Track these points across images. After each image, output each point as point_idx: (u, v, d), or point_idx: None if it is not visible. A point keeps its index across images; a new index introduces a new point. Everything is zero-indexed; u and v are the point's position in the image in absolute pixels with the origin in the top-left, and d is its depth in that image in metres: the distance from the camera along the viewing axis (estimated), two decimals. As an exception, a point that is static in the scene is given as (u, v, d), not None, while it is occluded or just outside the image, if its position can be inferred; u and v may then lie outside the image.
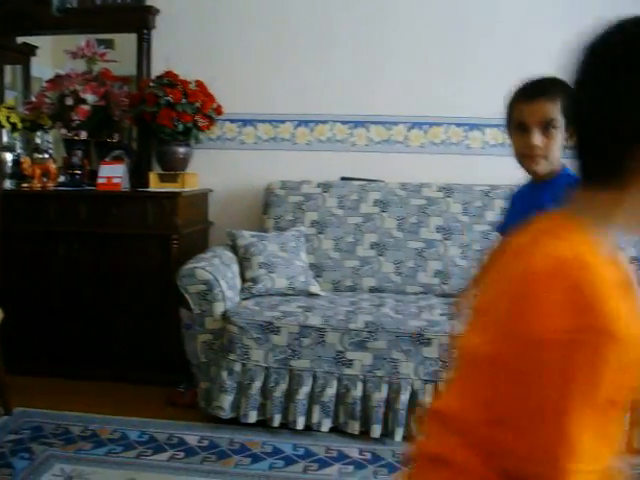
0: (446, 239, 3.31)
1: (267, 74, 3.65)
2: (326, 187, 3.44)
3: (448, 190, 3.39)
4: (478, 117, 3.56)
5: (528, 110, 1.66)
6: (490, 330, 0.87)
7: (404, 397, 2.71)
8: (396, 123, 3.64)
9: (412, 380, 2.72)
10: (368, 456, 2.66)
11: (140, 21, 3.64)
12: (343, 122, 3.64)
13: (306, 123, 3.66)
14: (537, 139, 1.65)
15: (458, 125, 3.60)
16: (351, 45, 3.60)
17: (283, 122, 3.67)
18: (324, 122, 3.64)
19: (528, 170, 1.73)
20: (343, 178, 3.55)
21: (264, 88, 3.66)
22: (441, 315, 2.83)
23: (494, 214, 3.27)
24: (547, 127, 1.65)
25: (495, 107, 3.42)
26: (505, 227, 1.87)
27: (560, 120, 1.64)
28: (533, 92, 1.67)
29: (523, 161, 1.71)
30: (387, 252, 3.29)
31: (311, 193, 3.43)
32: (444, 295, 3.17)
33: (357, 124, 3.64)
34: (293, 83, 3.64)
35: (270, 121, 3.68)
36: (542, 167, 1.70)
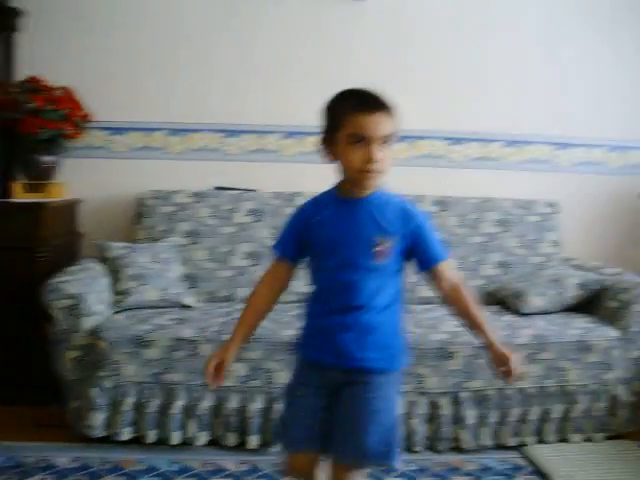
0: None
1: (139, 81, 3.57)
2: (199, 197, 3.40)
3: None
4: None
5: (370, 123, 1.63)
6: None
7: (280, 407, 2.71)
8: (270, 132, 3.66)
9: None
10: (245, 468, 2.64)
11: (3, 23, 3.47)
12: (216, 131, 3.61)
13: (178, 132, 3.61)
14: (379, 153, 1.64)
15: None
16: (225, 54, 3.59)
17: (154, 130, 3.60)
18: (197, 131, 3.61)
19: (361, 185, 1.70)
20: (217, 188, 3.53)
21: (135, 95, 3.58)
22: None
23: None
24: (385, 142, 1.65)
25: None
26: (288, 248, 1.85)
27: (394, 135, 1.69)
28: (375, 105, 1.66)
29: (359, 175, 1.67)
30: (261, 261, 3.29)
31: (184, 203, 3.38)
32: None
33: (230, 133, 3.63)
34: (165, 91, 3.58)
35: (141, 129, 3.61)
36: (376, 182, 1.72)
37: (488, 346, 1.80)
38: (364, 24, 3.61)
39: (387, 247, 1.72)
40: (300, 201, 3.30)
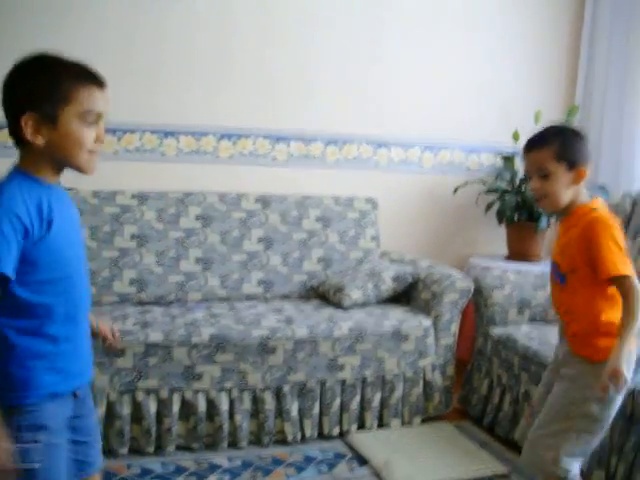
0: (267, 249, 3.45)
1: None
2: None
3: (265, 201, 3.53)
4: (283, 130, 3.77)
5: (103, 99, 1.53)
6: None
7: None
8: (206, 134, 3.64)
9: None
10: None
11: None
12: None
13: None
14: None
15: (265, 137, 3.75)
16: (158, 52, 3.51)
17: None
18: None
19: (87, 167, 1.55)
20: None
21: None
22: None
23: (309, 222, 3.56)
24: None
25: (290, 121, 3.77)
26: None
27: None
28: (102, 80, 1.54)
29: (88, 157, 1.53)
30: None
31: None
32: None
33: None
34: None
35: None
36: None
37: None
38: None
39: None
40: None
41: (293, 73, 3.77)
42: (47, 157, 1.51)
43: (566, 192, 2.03)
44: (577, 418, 2.01)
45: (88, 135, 1.50)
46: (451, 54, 4.07)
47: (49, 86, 1.47)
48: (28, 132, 1.47)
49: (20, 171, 1.51)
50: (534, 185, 2.05)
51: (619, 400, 2.03)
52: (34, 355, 1.50)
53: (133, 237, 3.26)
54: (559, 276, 2.10)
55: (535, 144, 2.06)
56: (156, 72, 3.53)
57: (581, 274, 2.01)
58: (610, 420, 2.04)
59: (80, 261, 1.60)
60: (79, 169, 1.54)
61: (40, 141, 1.47)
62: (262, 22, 3.67)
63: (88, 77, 1.51)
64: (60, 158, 1.51)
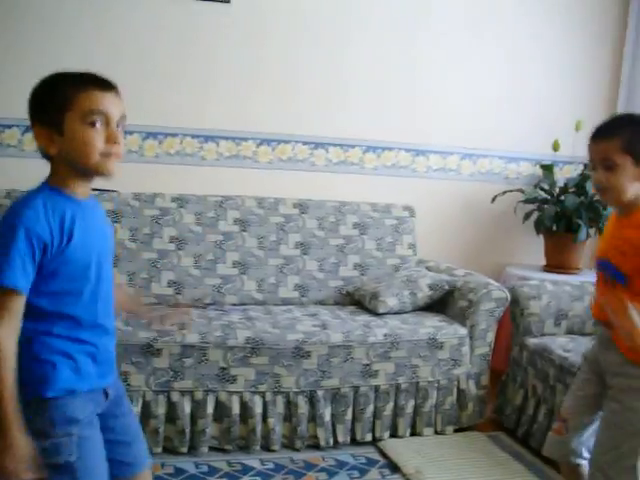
0: (304, 254, 3.47)
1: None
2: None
3: (302, 206, 3.55)
4: (322, 136, 3.82)
5: (107, 100, 1.53)
6: None
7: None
8: (246, 139, 3.69)
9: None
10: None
11: None
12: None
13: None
14: (119, 135, 1.55)
15: (304, 143, 3.80)
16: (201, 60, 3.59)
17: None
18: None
19: (103, 170, 1.54)
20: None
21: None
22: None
23: (346, 228, 3.57)
24: (119, 125, 1.55)
25: (329, 127, 3.83)
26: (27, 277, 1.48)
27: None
28: (108, 83, 1.56)
29: (101, 159, 1.52)
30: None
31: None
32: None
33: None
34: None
35: None
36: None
37: None
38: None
39: None
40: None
41: (332, 79, 3.79)
42: (65, 165, 1.53)
43: (631, 187, 1.90)
44: None
45: (94, 136, 1.50)
46: (491, 61, 4.06)
47: (49, 96, 1.52)
48: (42, 143, 1.52)
49: (48, 185, 1.54)
50: (597, 177, 1.93)
51: None
52: (55, 352, 1.53)
53: (172, 239, 3.30)
54: (618, 276, 1.97)
55: (602, 133, 1.94)
56: (198, 78, 3.58)
57: None
58: None
59: (103, 271, 1.62)
60: (95, 172, 1.54)
61: (53, 150, 1.51)
62: (298, 27, 3.71)
63: (87, 81, 1.53)
64: (74, 163, 1.53)
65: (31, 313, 1.50)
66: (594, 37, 4.23)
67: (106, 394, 1.65)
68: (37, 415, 1.50)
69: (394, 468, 2.79)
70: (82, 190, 1.57)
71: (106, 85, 1.54)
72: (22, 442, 1.44)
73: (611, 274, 2.00)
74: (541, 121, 4.16)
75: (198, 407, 2.77)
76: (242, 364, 2.79)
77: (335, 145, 3.83)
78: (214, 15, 3.57)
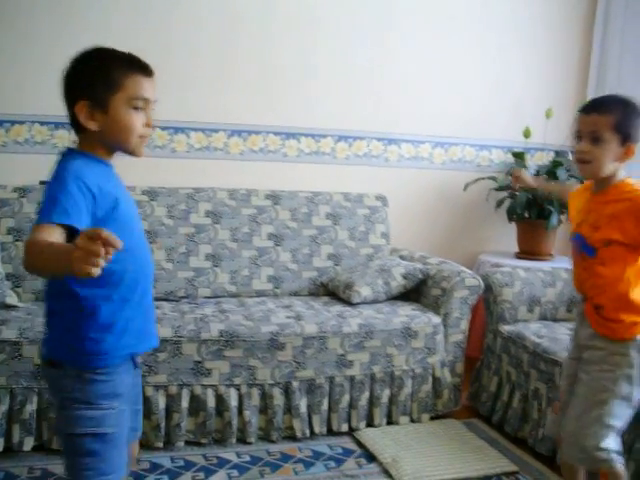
0: (277, 245, 3.46)
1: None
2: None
3: (275, 197, 3.54)
4: (293, 127, 3.79)
5: (151, 86, 1.63)
6: None
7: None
8: (217, 130, 3.66)
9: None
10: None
11: None
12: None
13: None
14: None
15: (276, 134, 3.77)
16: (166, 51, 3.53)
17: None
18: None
19: (138, 151, 1.64)
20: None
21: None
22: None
23: (319, 218, 3.56)
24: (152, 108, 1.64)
25: (300, 117, 3.79)
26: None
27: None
28: (150, 69, 1.64)
29: (139, 141, 1.62)
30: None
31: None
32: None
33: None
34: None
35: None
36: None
37: None
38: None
39: None
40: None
41: (303, 70, 3.77)
42: (101, 141, 1.61)
43: (610, 164, 1.99)
44: (610, 401, 2.02)
45: (137, 120, 1.59)
46: (462, 51, 4.06)
47: (99, 75, 1.57)
48: (82, 118, 1.56)
49: (81, 152, 1.61)
50: (583, 147, 2.00)
51: None
52: (111, 318, 1.60)
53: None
54: (586, 248, 2.06)
55: (596, 108, 2.01)
56: (168, 70, 3.53)
57: (616, 248, 1.99)
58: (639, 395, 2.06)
59: (142, 232, 1.73)
60: (130, 152, 1.63)
61: (94, 126, 1.57)
62: (268, 18, 3.67)
63: (136, 66, 1.60)
64: (112, 142, 1.61)
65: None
66: (563, 26, 4.25)
67: (135, 364, 1.74)
68: (87, 385, 1.59)
69: (371, 457, 2.79)
70: (109, 158, 1.65)
71: (149, 71, 1.62)
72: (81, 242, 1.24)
73: (581, 247, 2.09)
74: (512, 109, 4.18)
75: (173, 401, 2.75)
76: (216, 357, 2.77)
77: (307, 135, 3.82)
78: (185, 6, 3.53)
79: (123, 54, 1.62)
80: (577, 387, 2.12)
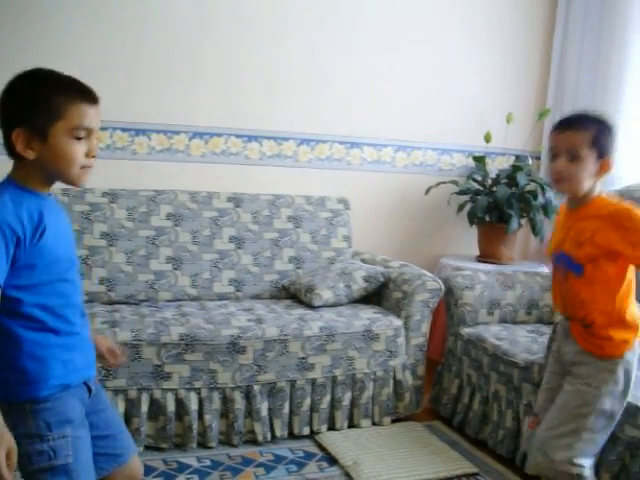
0: (239, 248, 3.43)
1: None
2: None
3: (236, 200, 3.52)
4: (255, 129, 3.77)
5: (95, 115, 1.54)
6: None
7: None
8: (178, 132, 3.63)
9: None
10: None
11: None
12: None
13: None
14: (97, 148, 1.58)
15: (238, 137, 3.75)
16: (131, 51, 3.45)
17: None
18: None
19: (79, 182, 1.56)
20: None
21: None
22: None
23: (281, 221, 3.54)
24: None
25: (263, 120, 3.78)
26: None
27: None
28: (95, 96, 1.56)
29: (80, 172, 1.54)
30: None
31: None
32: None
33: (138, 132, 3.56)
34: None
35: None
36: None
37: None
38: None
39: None
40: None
41: (265, 73, 3.75)
42: (38, 170, 1.52)
43: (588, 180, 2.00)
44: (591, 416, 2.02)
45: (78, 150, 1.50)
46: (423, 55, 4.08)
47: (39, 102, 1.48)
48: (19, 146, 1.48)
49: (12, 182, 1.52)
50: (560, 166, 2.00)
51: (630, 392, 2.05)
52: (43, 347, 1.53)
53: (103, 235, 3.22)
54: (573, 267, 2.05)
55: (573, 125, 2.02)
56: (128, 70, 3.50)
57: (602, 264, 2.00)
58: (621, 413, 2.06)
59: (73, 263, 1.63)
60: (69, 183, 1.55)
61: (31, 155, 1.49)
62: (233, 22, 3.65)
63: (79, 93, 1.52)
64: (51, 172, 1.53)
65: (16, 310, 1.50)
66: (524, 30, 4.30)
67: (89, 390, 1.66)
68: (30, 418, 1.52)
69: (332, 461, 2.79)
70: (45, 189, 1.57)
71: (93, 98, 1.54)
72: (7, 435, 1.39)
73: (566, 265, 2.08)
74: (473, 113, 4.22)
75: (132, 406, 2.71)
76: (176, 361, 2.74)
77: (269, 138, 3.80)
78: (152, 8, 3.50)
79: (66, 79, 1.53)
80: (558, 397, 2.11)
